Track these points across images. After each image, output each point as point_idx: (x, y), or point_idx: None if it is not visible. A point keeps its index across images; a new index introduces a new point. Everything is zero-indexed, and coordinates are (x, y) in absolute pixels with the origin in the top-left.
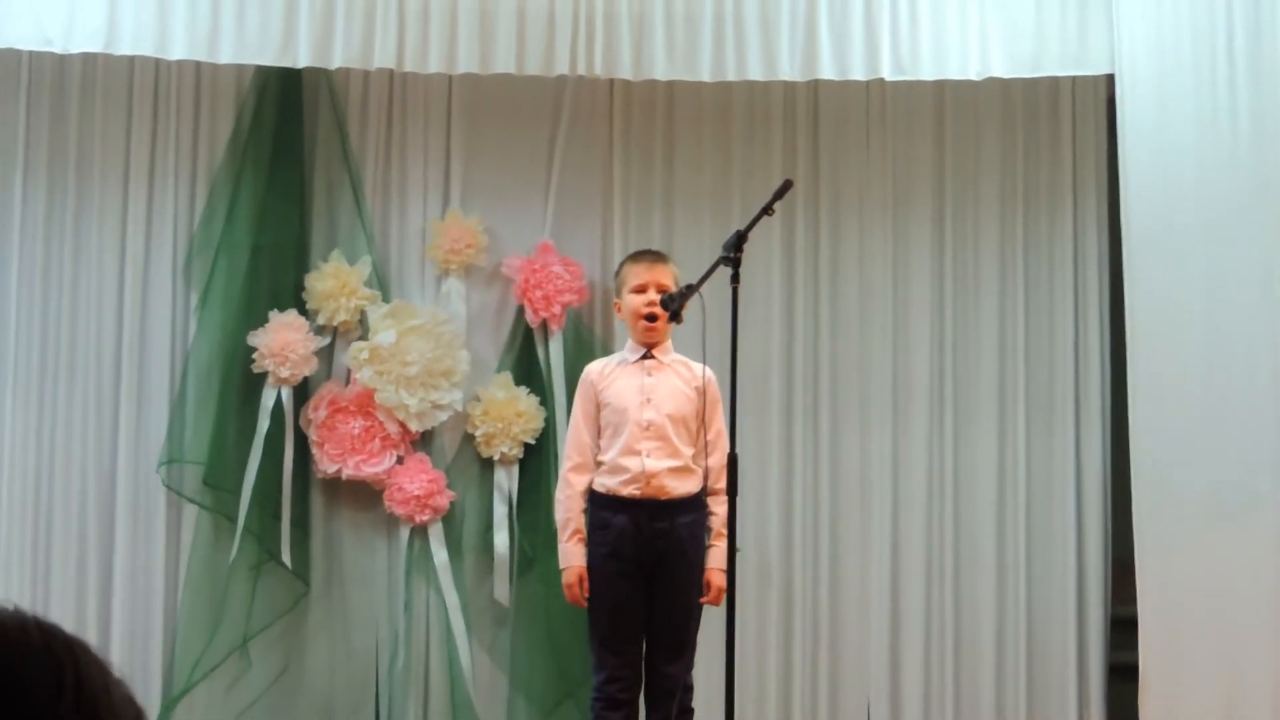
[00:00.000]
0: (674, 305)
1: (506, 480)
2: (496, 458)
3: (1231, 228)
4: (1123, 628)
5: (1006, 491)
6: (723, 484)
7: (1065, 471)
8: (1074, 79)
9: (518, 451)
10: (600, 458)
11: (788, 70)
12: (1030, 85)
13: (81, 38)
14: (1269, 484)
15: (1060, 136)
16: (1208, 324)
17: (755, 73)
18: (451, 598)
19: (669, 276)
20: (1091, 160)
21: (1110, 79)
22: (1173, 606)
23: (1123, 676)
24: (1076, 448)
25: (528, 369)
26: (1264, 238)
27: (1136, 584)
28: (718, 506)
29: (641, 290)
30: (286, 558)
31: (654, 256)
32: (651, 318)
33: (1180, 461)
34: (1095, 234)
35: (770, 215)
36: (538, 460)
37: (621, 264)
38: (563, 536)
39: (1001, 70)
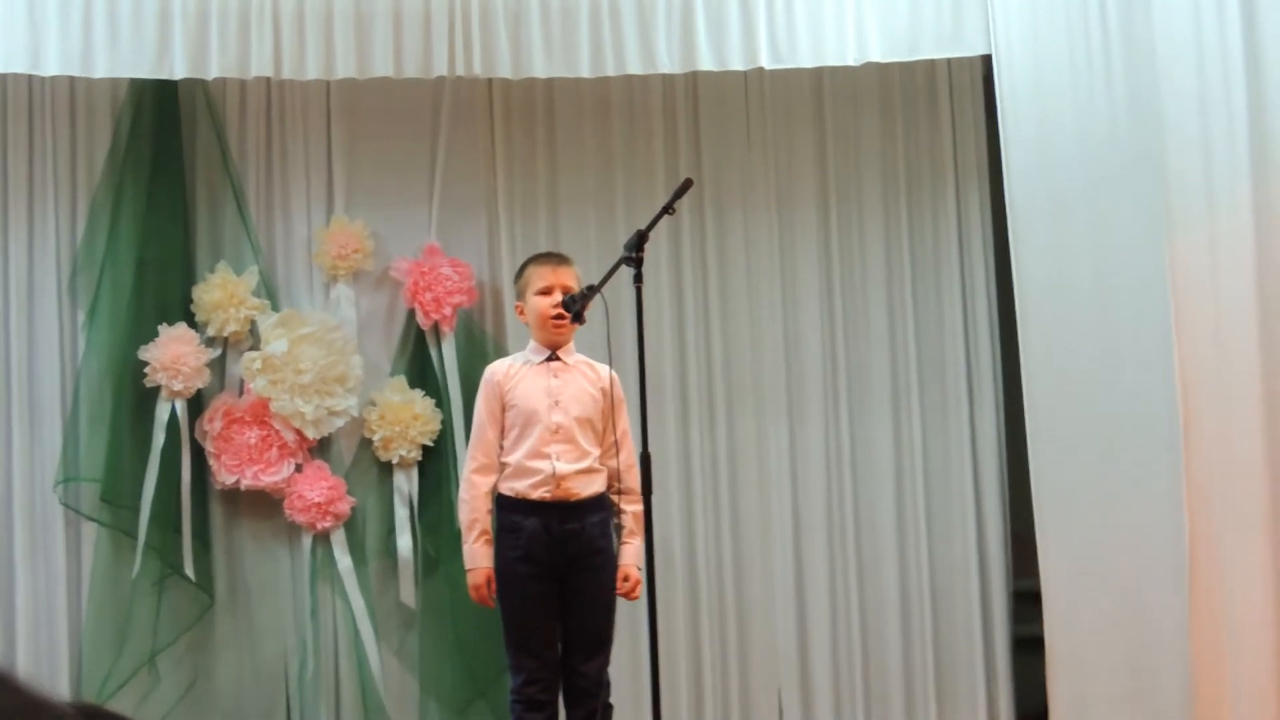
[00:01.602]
0: (576, 306)
1: (406, 483)
2: (395, 461)
3: (1113, 198)
4: (1025, 600)
5: (904, 473)
6: (631, 483)
7: (961, 450)
8: (950, 61)
9: (416, 454)
10: (504, 459)
11: (666, 63)
12: (908, 69)
13: None
14: (1163, 450)
15: (939, 118)
16: (1095, 295)
17: (634, 66)
18: (357, 603)
19: (573, 278)
20: (971, 140)
21: (986, 59)
22: (1074, 577)
23: (1028, 649)
24: (971, 426)
25: (421, 371)
26: (1146, 206)
27: (1038, 556)
28: (628, 505)
29: (547, 292)
30: (190, 571)
31: (558, 259)
32: (560, 318)
33: (1075, 433)
34: (979, 213)
35: (671, 214)
36: (437, 462)
37: (523, 266)
38: (468, 538)
39: (879, 54)
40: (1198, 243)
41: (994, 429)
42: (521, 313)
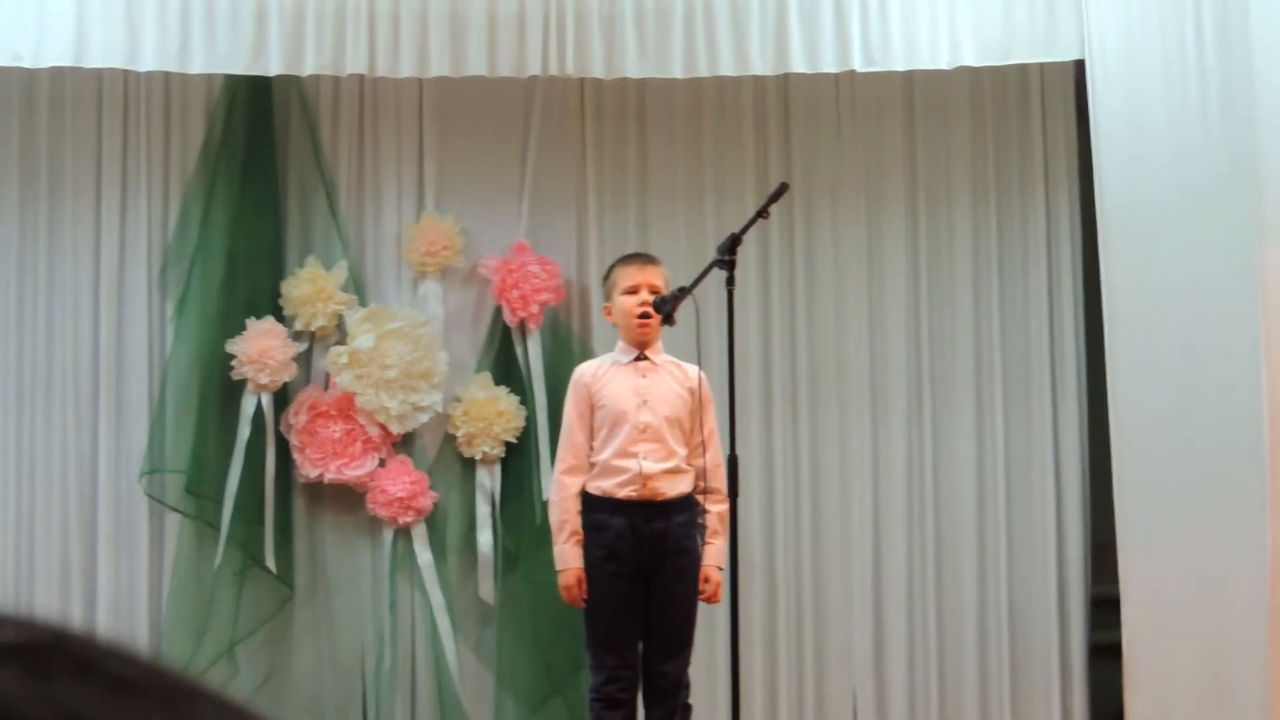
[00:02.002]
0: (667, 307)
1: (489, 480)
2: (478, 457)
3: (1206, 206)
4: (1103, 608)
5: (986, 477)
6: (717, 483)
7: (1044, 455)
8: (1043, 65)
9: (499, 451)
10: (593, 459)
11: (759, 65)
12: (999, 73)
13: (51, 52)
14: (1248, 460)
15: (1030, 123)
16: (1184, 304)
17: (727, 68)
18: (436, 598)
19: (660, 278)
20: (1062, 146)
21: (1079, 64)
22: (1155, 585)
23: (1104, 656)
24: (1054, 432)
25: (506, 368)
26: (1238, 215)
27: (1119, 563)
28: (713, 505)
29: (634, 291)
30: (271, 563)
31: (645, 259)
32: (645, 316)
33: (1159, 441)
34: (1068, 219)
35: (766, 218)
36: (519, 459)
37: (611, 267)
38: (559, 539)
39: (972, 59)
40: None
41: (1077, 436)
42: (609, 314)
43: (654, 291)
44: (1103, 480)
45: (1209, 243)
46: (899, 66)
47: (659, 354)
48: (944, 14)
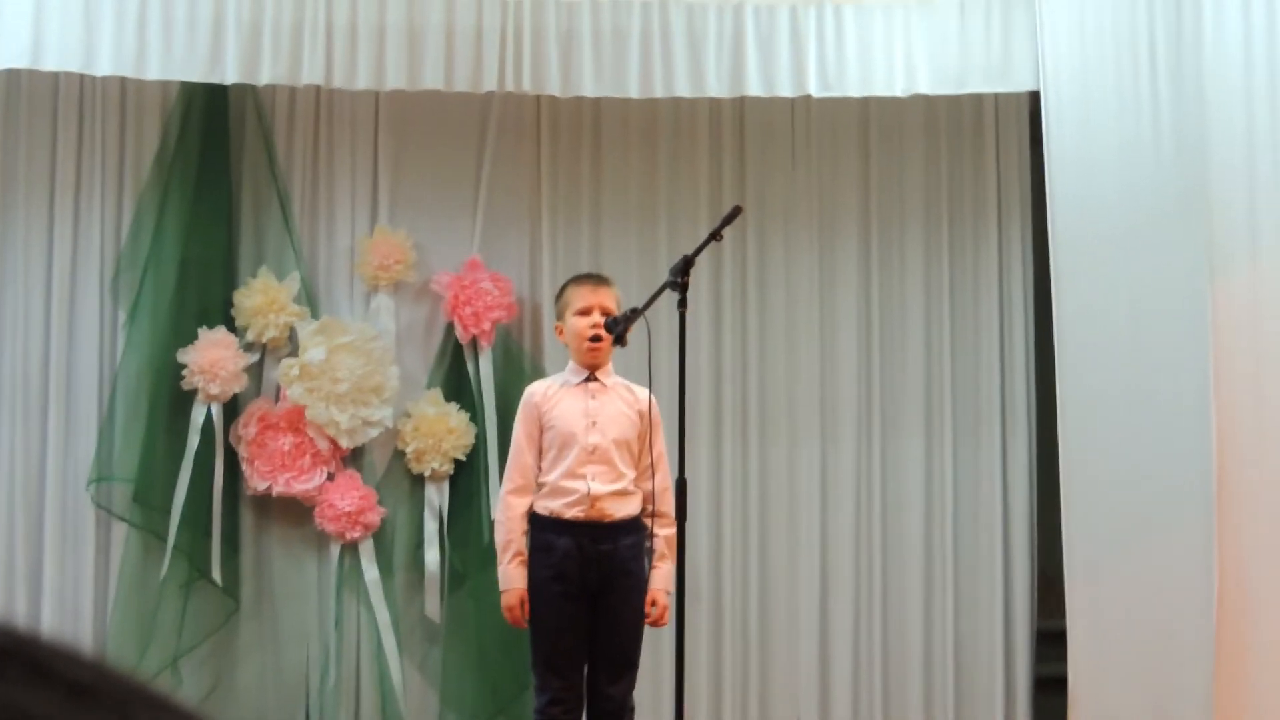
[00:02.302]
0: (619, 328)
1: (437, 497)
2: (427, 474)
3: (1157, 238)
4: (1048, 640)
5: (934, 505)
6: (665, 507)
7: (992, 485)
8: (997, 95)
9: (448, 468)
10: (541, 479)
11: (715, 87)
12: (954, 101)
13: (7, 54)
14: (1196, 494)
15: (984, 152)
16: (1135, 336)
17: (683, 89)
18: (382, 614)
19: (612, 299)
20: (1015, 175)
21: (1034, 95)
22: (1102, 618)
23: (1048, 689)
24: (1003, 461)
25: (458, 385)
26: (1189, 248)
27: (1066, 595)
28: (660, 529)
29: (586, 313)
30: (217, 575)
31: (598, 280)
32: (597, 339)
33: (1108, 473)
34: (1020, 248)
35: (719, 241)
36: (469, 476)
37: (563, 287)
38: (503, 558)
39: (927, 87)
40: (1240, 285)
41: (1026, 465)
42: (561, 333)
43: (606, 313)
44: (1051, 512)
45: (1160, 274)
46: (854, 93)
47: (609, 375)
48: (900, 42)
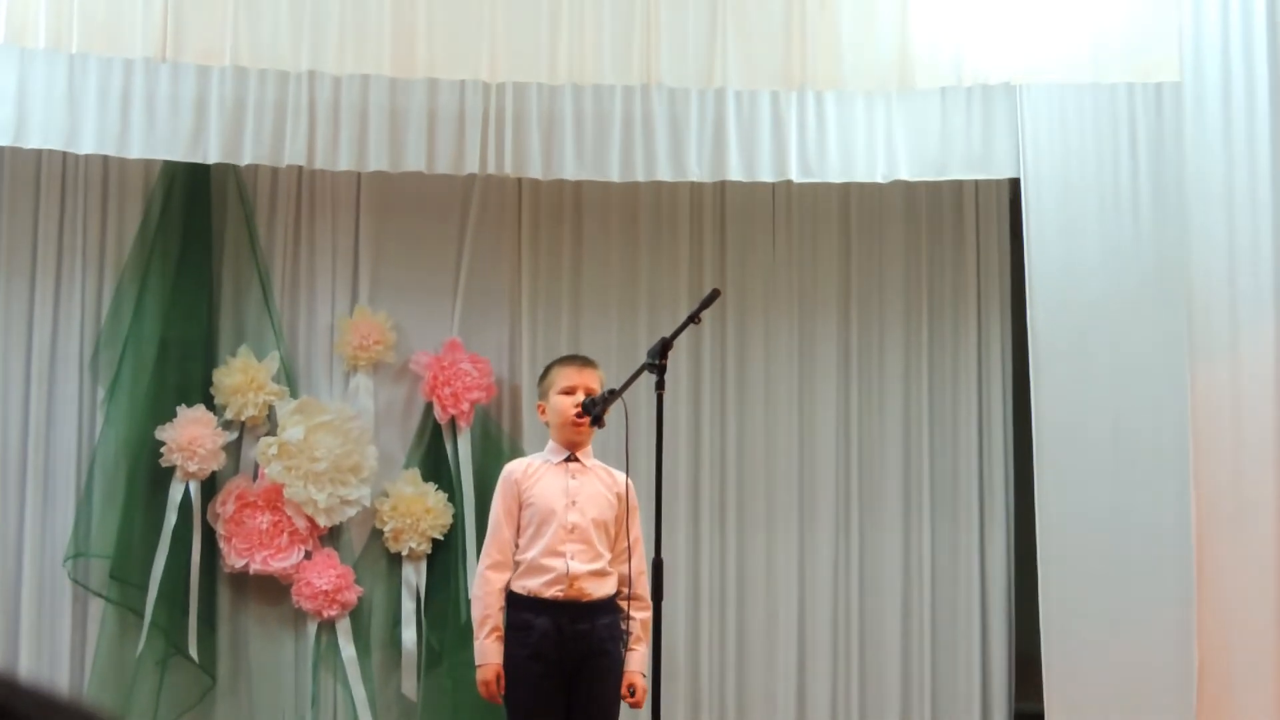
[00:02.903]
0: (596, 409)
1: (414, 576)
2: (405, 553)
3: (1136, 324)
4: None
5: (911, 588)
6: (641, 590)
7: (970, 568)
8: (978, 182)
9: (426, 547)
10: (519, 556)
11: (696, 172)
12: (935, 188)
13: None
14: (1175, 578)
15: (964, 236)
16: (1114, 426)
17: (664, 173)
18: (359, 692)
19: (596, 381)
20: (995, 261)
21: (1014, 182)
22: (1080, 699)
23: None
24: (981, 546)
25: (436, 465)
26: (1169, 333)
27: (1043, 677)
28: (636, 612)
29: (570, 392)
30: (193, 652)
31: (584, 361)
32: (581, 418)
33: (1086, 560)
34: (999, 333)
35: (698, 324)
36: (446, 556)
37: (549, 367)
38: (480, 633)
39: (908, 173)
40: (1220, 378)
41: (1003, 548)
42: (543, 412)
43: (590, 394)
44: (1029, 595)
45: (1140, 360)
46: (835, 178)
47: (589, 457)
48: (881, 129)
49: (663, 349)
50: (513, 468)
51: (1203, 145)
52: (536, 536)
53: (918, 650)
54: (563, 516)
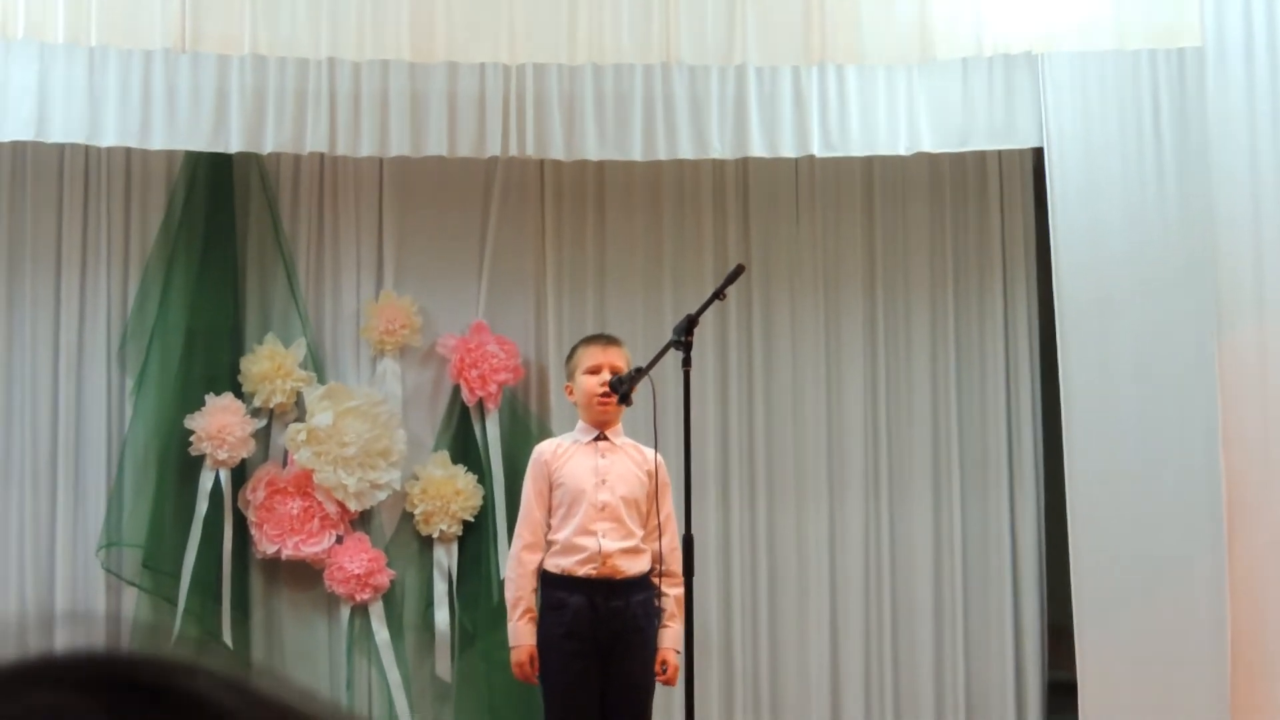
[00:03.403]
0: (623, 388)
1: (446, 558)
2: (435, 535)
3: (1163, 295)
4: (1060, 693)
5: (943, 561)
6: (674, 566)
7: (1000, 539)
8: (1001, 152)
9: (456, 529)
10: (551, 537)
11: (718, 149)
12: (958, 159)
13: (12, 127)
14: (1204, 550)
15: (988, 209)
16: (1141, 393)
17: (686, 152)
18: (393, 675)
19: (622, 360)
20: (1020, 232)
21: (1037, 152)
22: (1112, 670)
23: None
24: (1011, 516)
25: (465, 447)
26: (1195, 303)
27: (1075, 648)
28: (669, 588)
29: (596, 371)
30: (227, 638)
31: (609, 340)
32: (606, 397)
33: (1116, 528)
34: (1025, 304)
35: (723, 300)
36: (477, 538)
37: (575, 347)
38: (513, 615)
39: (930, 145)
40: (1247, 343)
41: (1034, 517)
42: (570, 393)
43: (615, 372)
44: (1060, 563)
45: (1166, 330)
46: (857, 152)
47: (618, 435)
48: (903, 101)
49: (688, 326)
50: (542, 449)
51: (1225, 110)
52: (568, 516)
53: (950, 622)
54: (593, 495)
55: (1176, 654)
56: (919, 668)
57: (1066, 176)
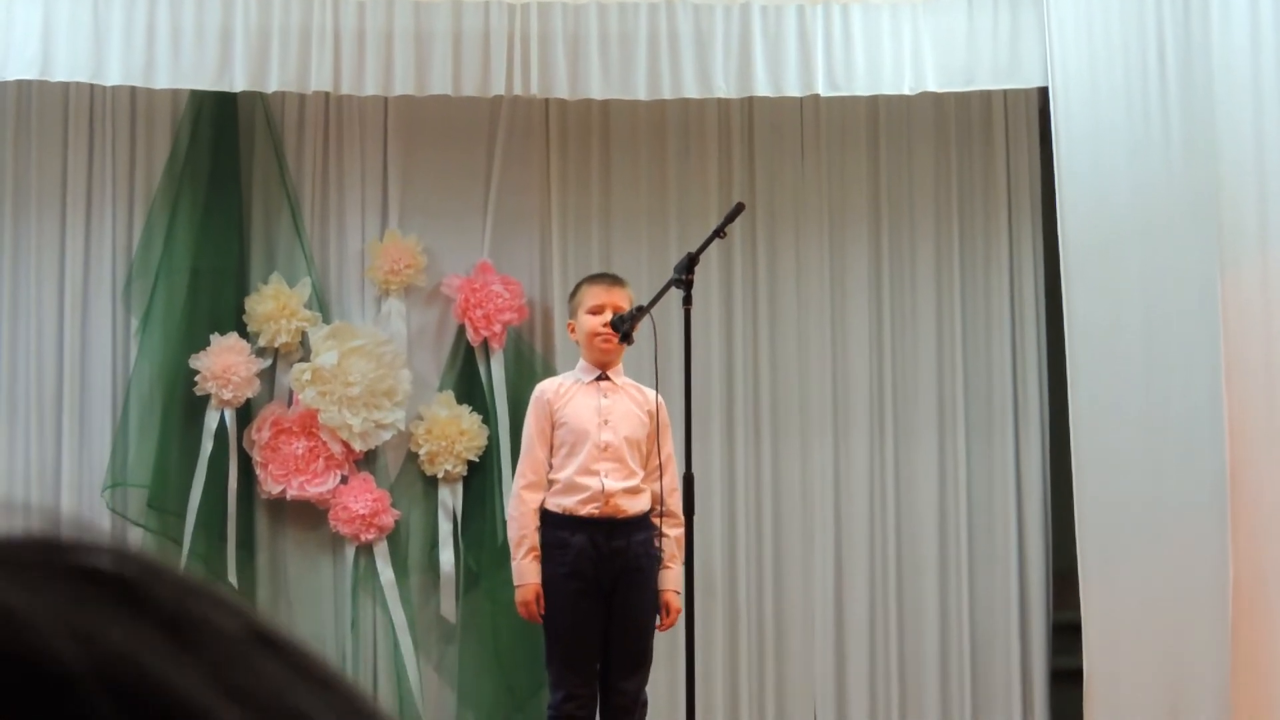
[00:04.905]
0: (625, 326)
1: (451, 498)
2: (440, 476)
3: (1167, 233)
4: (1064, 633)
5: (948, 501)
6: (674, 507)
7: (1005, 480)
8: (1006, 92)
9: (461, 469)
10: (553, 476)
11: (723, 88)
12: (963, 98)
13: (16, 65)
14: (1209, 486)
15: (994, 149)
16: (1146, 332)
17: (691, 91)
18: (398, 615)
19: (626, 300)
20: (1025, 172)
21: (1042, 91)
22: (1116, 610)
23: (1066, 681)
24: (1016, 456)
25: (469, 387)
26: (1200, 246)
27: (1080, 589)
28: (670, 529)
29: (598, 311)
30: (233, 578)
31: (612, 279)
32: (608, 338)
33: (1120, 469)
34: (1030, 244)
35: (723, 238)
36: (481, 478)
37: (578, 286)
38: (517, 554)
39: (935, 84)
40: (1251, 282)
41: (1039, 458)
42: (573, 330)
43: (617, 312)
44: (1064, 504)
45: (1170, 269)
46: (862, 91)
47: (619, 375)
48: (907, 40)
49: (689, 264)
50: (544, 387)
51: (1230, 47)
52: (570, 456)
53: (954, 562)
54: (595, 435)
55: (1180, 594)
56: (924, 609)
57: (1071, 116)
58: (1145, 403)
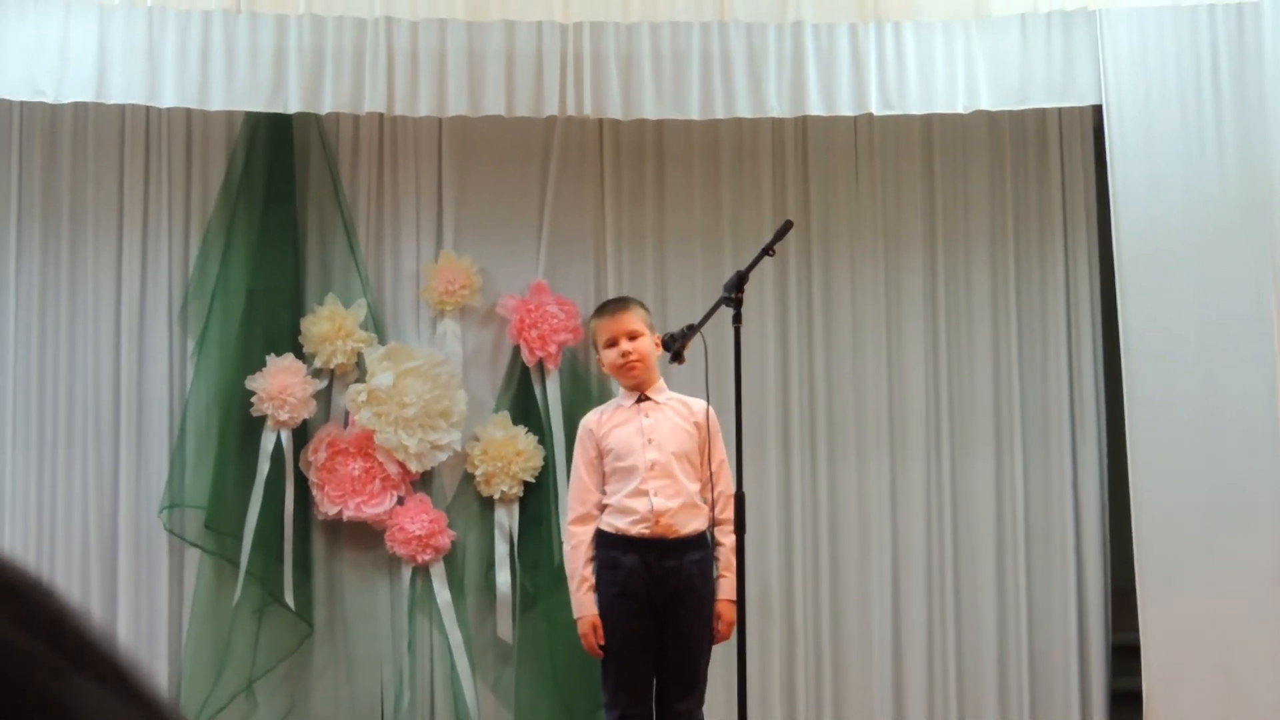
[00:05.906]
0: (676, 345)
1: (507, 519)
2: (496, 496)
3: (1221, 250)
4: (1123, 654)
5: (1005, 519)
6: (728, 514)
7: (1063, 498)
8: (1060, 110)
9: (517, 490)
10: (606, 500)
11: (776, 107)
12: (1017, 116)
13: (73, 88)
14: (1267, 506)
15: (1048, 166)
16: (1201, 348)
17: (744, 110)
18: (455, 636)
19: (635, 320)
20: (1080, 189)
21: (1096, 109)
22: (1176, 631)
23: (1124, 703)
24: (1074, 475)
25: (525, 408)
26: (1254, 259)
27: (1138, 610)
28: (724, 536)
29: (613, 344)
30: (290, 599)
31: (615, 306)
32: (628, 367)
33: (1178, 486)
34: (1086, 261)
35: (771, 256)
36: (538, 498)
37: (587, 324)
38: (573, 587)
39: (989, 103)
40: None
41: (1096, 477)
42: (602, 365)
43: (631, 336)
44: (1122, 524)
45: (1225, 287)
46: (916, 110)
47: (661, 392)
48: (961, 59)
49: (738, 282)
50: (587, 421)
51: None
52: (621, 480)
53: (1012, 581)
54: (642, 456)
55: (1239, 613)
56: (981, 628)
57: (1125, 133)
58: (1202, 419)
